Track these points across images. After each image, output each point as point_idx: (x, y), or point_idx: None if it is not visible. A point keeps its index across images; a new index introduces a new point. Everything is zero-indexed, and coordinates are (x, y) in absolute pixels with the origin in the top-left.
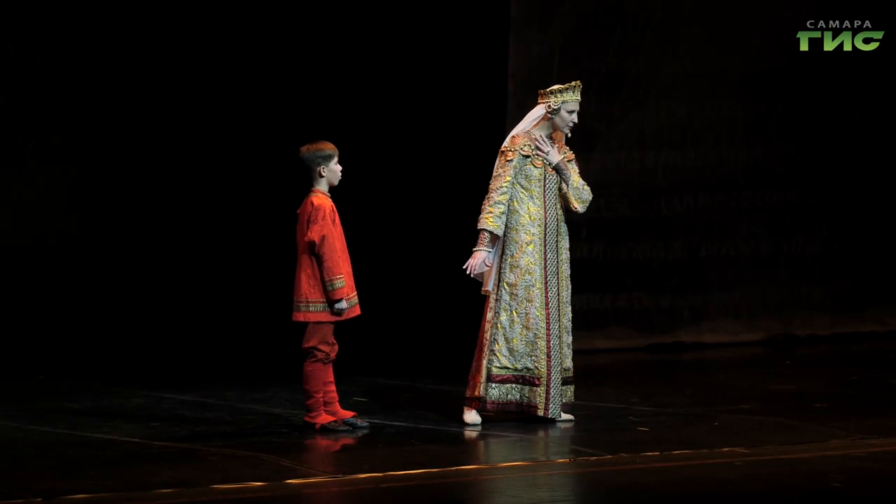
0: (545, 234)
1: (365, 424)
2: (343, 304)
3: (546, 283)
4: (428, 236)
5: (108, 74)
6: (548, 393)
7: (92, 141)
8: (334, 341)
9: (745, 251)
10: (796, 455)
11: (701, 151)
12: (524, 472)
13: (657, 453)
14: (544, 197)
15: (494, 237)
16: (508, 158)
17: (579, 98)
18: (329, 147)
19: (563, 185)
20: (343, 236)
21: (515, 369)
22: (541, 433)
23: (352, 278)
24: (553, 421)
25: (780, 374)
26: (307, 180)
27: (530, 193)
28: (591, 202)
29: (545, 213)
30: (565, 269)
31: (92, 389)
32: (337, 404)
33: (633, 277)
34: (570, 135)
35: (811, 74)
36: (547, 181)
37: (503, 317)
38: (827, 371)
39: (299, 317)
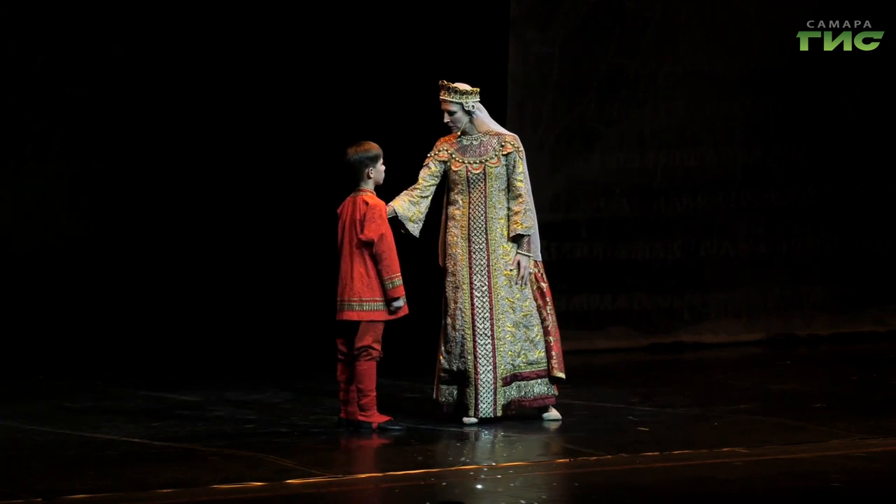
0: (469, 234)
1: (399, 427)
2: (401, 302)
3: (471, 283)
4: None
5: (108, 74)
6: (477, 393)
7: (92, 141)
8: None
9: (744, 251)
10: (796, 455)
11: (700, 151)
12: (524, 472)
13: (657, 453)
14: (469, 198)
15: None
16: (426, 164)
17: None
18: (375, 147)
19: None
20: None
21: (452, 371)
22: (540, 433)
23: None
24: (552, 420)
25: (780, 374)
26: (353, 182)
27: (454, 196)
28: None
29: (468, 213)
30: (504, 266)
31: (92, 389)
32: (356, 405)
33: (633, 277)
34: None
35: (811, 74)
36: (471, 182)
37: (443, 321)
38: (827, 371)
39: (352, 315)
